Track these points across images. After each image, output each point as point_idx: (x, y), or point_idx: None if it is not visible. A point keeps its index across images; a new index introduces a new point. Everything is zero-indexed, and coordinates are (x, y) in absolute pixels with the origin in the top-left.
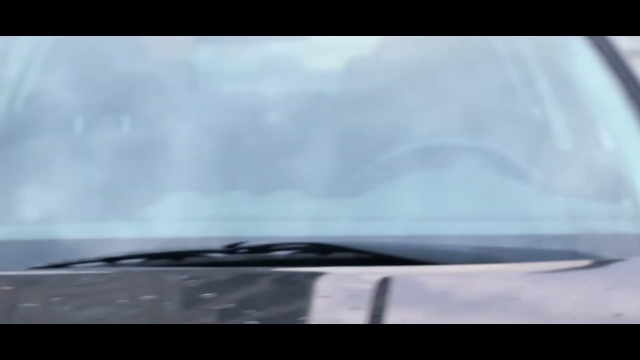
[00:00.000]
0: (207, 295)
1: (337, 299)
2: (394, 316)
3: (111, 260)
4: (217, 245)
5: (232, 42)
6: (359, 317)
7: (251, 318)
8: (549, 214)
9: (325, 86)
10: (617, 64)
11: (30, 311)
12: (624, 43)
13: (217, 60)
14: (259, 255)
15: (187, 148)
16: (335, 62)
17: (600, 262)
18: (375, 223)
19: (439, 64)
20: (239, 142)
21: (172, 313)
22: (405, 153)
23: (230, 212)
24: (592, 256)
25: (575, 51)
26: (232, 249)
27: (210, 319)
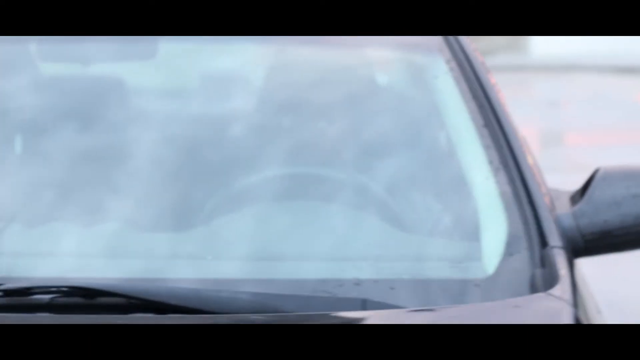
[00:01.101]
0: None
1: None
2: None
3: None
4: None
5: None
6: None
7: None
8: (377, 254)
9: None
10: (476, 90)
11: None
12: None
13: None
14: (17, 299)
15: None
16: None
17: (396, 313)
18: (188, 263)
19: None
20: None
21: None
22: (251, 184)
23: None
24: (388, 305)
25: (435, 75)
26: None
27: None
